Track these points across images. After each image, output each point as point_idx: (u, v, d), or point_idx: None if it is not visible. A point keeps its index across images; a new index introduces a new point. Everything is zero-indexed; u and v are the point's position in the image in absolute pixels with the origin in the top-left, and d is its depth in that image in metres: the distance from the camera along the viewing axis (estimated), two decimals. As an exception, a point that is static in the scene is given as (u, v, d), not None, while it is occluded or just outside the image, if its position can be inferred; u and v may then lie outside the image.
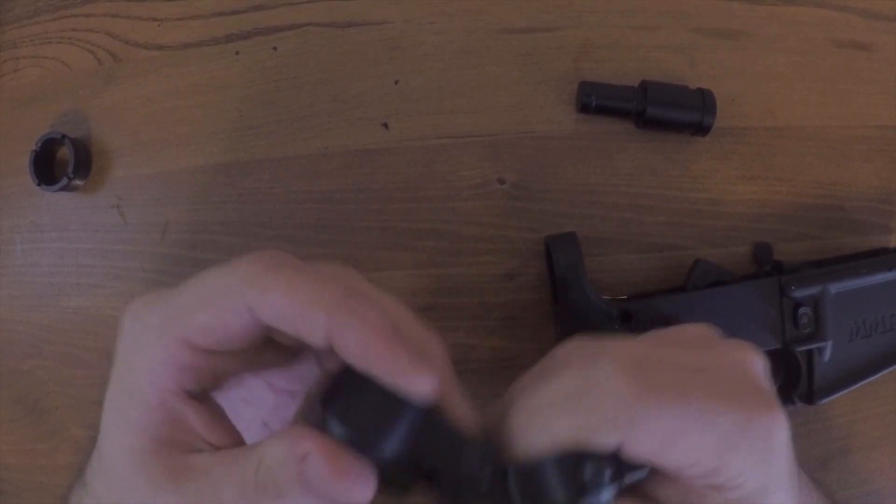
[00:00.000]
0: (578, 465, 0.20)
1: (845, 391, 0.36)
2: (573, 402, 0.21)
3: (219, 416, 0.23)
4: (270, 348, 0.24)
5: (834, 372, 0.36)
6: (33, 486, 0.41)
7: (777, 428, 0.22)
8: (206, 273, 0.22)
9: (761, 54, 0.41)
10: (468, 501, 0.21)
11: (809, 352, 0.36)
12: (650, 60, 0.40)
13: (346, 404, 0.20)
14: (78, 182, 0.41)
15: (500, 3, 0.40)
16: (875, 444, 0.40)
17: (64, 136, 0.40)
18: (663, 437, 0.21)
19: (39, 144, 0.40)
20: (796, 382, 0.36)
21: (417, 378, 0.20)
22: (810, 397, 0.36)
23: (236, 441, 0.23)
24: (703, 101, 0.37)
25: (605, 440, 0.20)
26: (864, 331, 0.36)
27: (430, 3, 0.40)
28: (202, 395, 0.23)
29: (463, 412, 0.22)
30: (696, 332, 0.25)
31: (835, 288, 0.35)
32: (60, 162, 0.42)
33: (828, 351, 0.35)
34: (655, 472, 0.23)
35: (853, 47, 0.42)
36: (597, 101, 0.38)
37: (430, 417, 0.21)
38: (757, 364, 0.24)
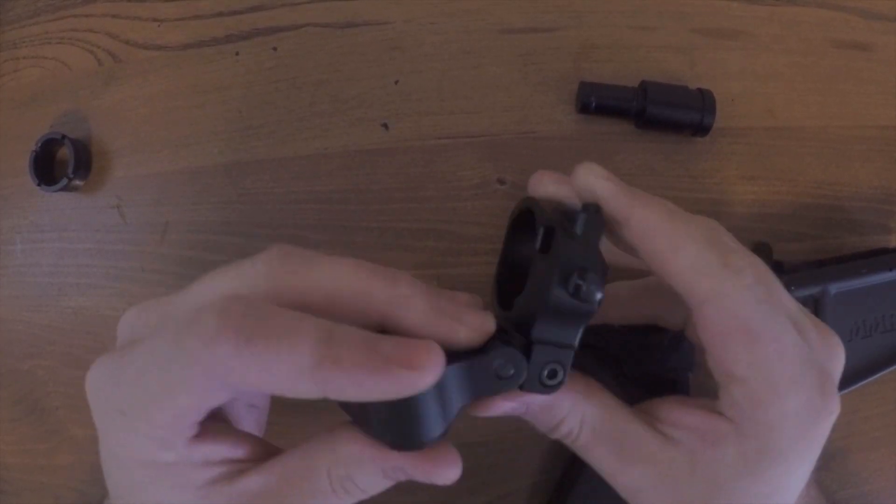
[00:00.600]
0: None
1: (845, 391, 0.36)
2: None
3: (233, 429, 0.23)
4: None
5: (834, 372, 0.36)
6: (33, 486, 0.41)
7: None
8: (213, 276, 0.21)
9: (761, 54, 0.41)
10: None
11: (809, 352, 0.36)
12: (650, 60, 0.40)
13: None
14: (78, 182, 0.41)
15: (500, 3, 0.40)
16: (875, 444, 0.40)
17: (64, 137, 0.40)
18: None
19: (39, 145, 0.40)
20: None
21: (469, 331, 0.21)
22: (810, 397, 0.36)
23: (264, 447, 0.23)
24: (703, 101, 0.37)
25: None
26: (864, 331, 0.36)
27: (430, 3, 0.40)
28: (211, 417, 0.22)
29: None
30: None
31: (835, 288, 0.35)
32: (60, 162, 0.42)
33: (828, 351, 0.35)
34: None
35: (853, 47, 0.42)
36: (597, 101, 0.38)
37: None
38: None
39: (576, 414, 0.24)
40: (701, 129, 0.38)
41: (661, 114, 0.37)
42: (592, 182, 0.24)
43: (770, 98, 0.40)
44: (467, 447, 0.38)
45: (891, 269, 0.36)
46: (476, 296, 0.24)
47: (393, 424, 0.20)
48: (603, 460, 0.24)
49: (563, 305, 0.21)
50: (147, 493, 0.21)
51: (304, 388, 0.18)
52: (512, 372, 0.22)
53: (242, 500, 0.21)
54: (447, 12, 0.40)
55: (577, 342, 0.22)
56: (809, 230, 0.40)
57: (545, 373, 0.22)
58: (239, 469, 0.22)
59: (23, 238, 0.42)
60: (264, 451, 0.23)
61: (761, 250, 0.38)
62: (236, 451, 0.22)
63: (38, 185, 0.40)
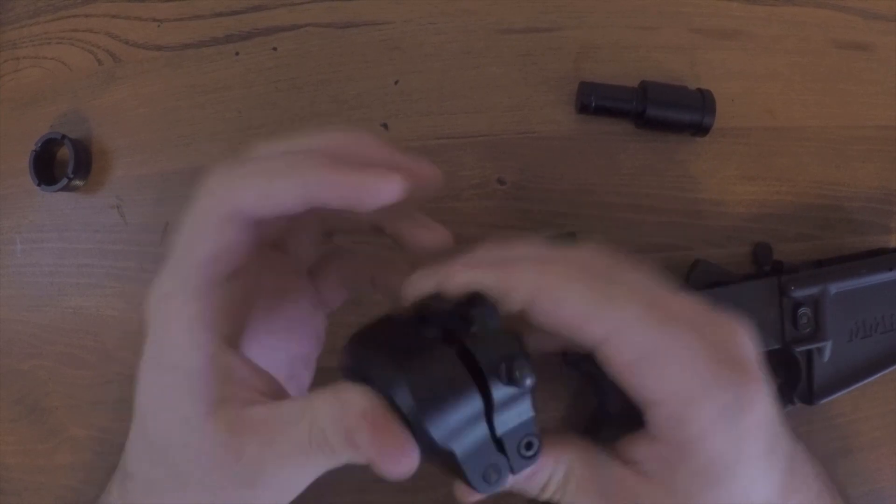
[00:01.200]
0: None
1: (845, 391, 0.36)
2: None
3: (254, 364, 0.24)
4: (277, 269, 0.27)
5: (834, 372, 0.36)
6: (33, 486, 0.41)
7: (754, 394, 0.22)
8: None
9: (761, 54, 0.41)
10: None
11: (809, 352, 0.36)
12: (650, 60, 0.40)
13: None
14: (78, 182, 0.41)
15: (500, 3, 0.40)
16: (875, 444, 0.40)
17: (64, 137, 0.40)
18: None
19: (39, 145, 0.40)
20: (796, 383, 0.36)
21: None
22: (810, 397, 0.36)
23: (279, 389, 0.24)
24: (703, 101, 0.37)
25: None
26: (864, 331, 0.36)
27: (430, 3, 0.40)
28: (236, 343, 0.23)
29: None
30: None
31: (835, 288, 0.35)
32: (60, 162, 0.42)
33: (827, 351, 0.35)
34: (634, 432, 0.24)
35: (853, 47, 0.42)
36: (597, 101, 0.38)
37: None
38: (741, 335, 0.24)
39: (560, 469, 0.25)
40: (701, 130, 0.38)
41: (661, 114, 0.37)
42: (460, 279, 0.23)
43: (770, 98, 0.40)
44: (467, 447, 0.38)
45: (891, 269, 0.36)
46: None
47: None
48: None
49: (506, 396, 0.22)
50: (161, 404, 0.22)
51: (288, 192, 0.21)
52: (497, 477, 0.22)
53: (239, 426, 0.21)
54: (447, 12, 0.40)
55: (533, 411, 0.23)
56: (809, 230, 0.40)
57: (521, 448, 0.23)
58: (251, 400, 0.22)
59: (23, 238, 0.42)
60: (280, 393, 0.24)
61: (761, 250, 0.38)
62: (258, 382, 0.23)
63: (38, 185, 0.40)
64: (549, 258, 0.23)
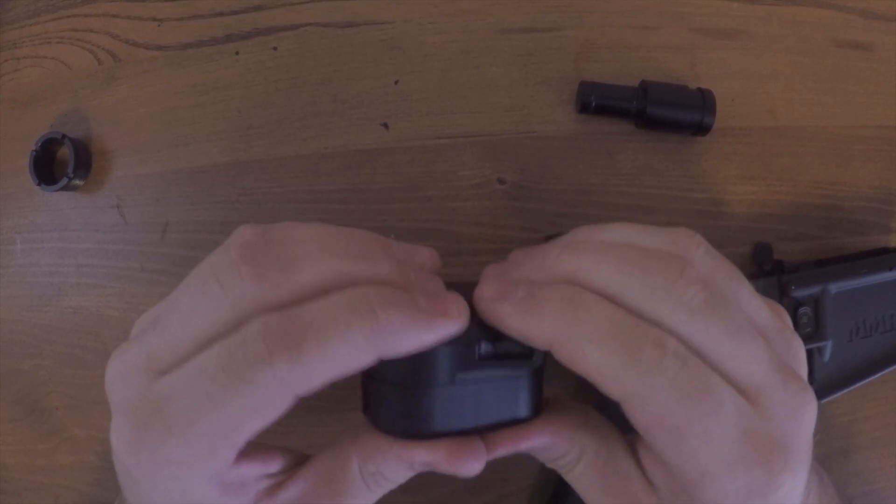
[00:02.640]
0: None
1: (845, 391, 0.36)
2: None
3: (260, 445, 0.23)
4: None
5: (834, 372, 0.36)
6: (33, 486, 0.41)
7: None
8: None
9: (761, 54, 0.41)
10: None
11: (809, 352, 0.36)
12: (650, 60, 0.40)
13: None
14: (78, 182, 0.41)
15: (500, 3, 0.40)
16: (875, 444, 0.40)
17: (64, 136, 0.40)
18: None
19: (39, 144, 0.40)
20: (796, 382, 0.36)
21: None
22: (810, 397, 0.36)
23: (292, 456, 0.24)
24: (703, 101, 0.37)
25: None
26: (864, 331, 0.36)
27: (430, 3, 0.40)
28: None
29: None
30: None
31: (835, 288, 0.35)
32: (60, 162, 0.42)
33: (828, 351, 0.35)
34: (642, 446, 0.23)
35: (853, 47, 0.42)
36: (597, 101, 0.38)
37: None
38: None
39: (575, 446, 0.24)
40: (701, 129, 0.38)
41: (661, 114, 0.37)
42: (491, 312, 0.23)
43: (770, 98, 0.40)
44: (467, 447, 0.38)
45: (891, 269, 0.36)
46: (433, 252, 0.26)
47: (408, 412, 0.22)
48: (589, 493, 0.25)
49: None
50: None
51: (365, 357, 0.19)
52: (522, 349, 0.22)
53: None
54: (447, 12, 0.40)
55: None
56: (809, 230, 0.40)
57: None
58: (275, 483, 0.23)
59: (23, 238, 0.42)
60: (293, 460, 0.24)
61: (761, 250, 0.38)
62: (270, 466, 0.23)
63: (38, 184, 0.40)
64: (580, 301, 0.21)
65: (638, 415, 0.21)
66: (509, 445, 0.23)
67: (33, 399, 0.41)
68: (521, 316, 0.21)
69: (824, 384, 0.36)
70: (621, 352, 0.20)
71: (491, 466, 0.38)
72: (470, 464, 0.22)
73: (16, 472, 0.41)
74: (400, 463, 0.22)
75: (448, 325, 0.20)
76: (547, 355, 0.22)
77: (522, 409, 0.23)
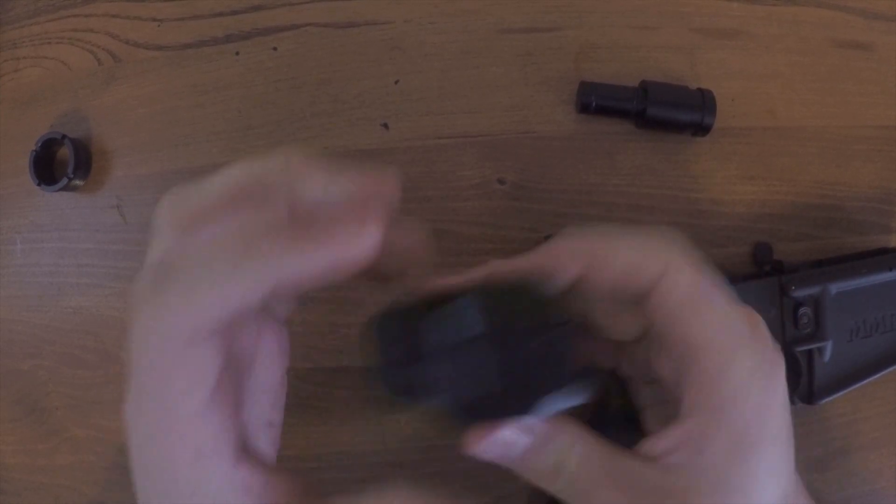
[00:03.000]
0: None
1: (845, 391, 0.36)
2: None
3: (268, 465, 0.22)
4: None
5: (834, 372, 0.36)
6: (33, 486, 0.41)
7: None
8: None
9: (761, 54, 0.41)
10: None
11: (809, 352, 0.36)
12: (650, 60, 0.40)
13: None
14: (78, 182, 0.41)
15: (500, 3, 0.40)
16: (875, 445, 0.40)
17: (64, 136, 0.40)
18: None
19: (39, 144, 0.40)
20: (796, 382, 0.36)
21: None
22: (810, 397, 0.36)
23: (302, 485, 0.22)
24: (703, 101, 0.37)
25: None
26: (864, 331, 0.36)
27: (430, 3, 0.40)
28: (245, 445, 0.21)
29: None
30: None
31: (835, 288, 0.35)
32: (60, 162, 0.42)
33: (828, 351, 0.35)
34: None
35: (853, 47, 0.42)
36: (597, 101, 0.38)
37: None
38: None
39: (575, 452, 0.24)
40: (701, 129, 0.38)
41: (661, 114, 0.37)
42: (507, 267, 0.24)
43: (770, 98, 0.40)
44: (467, 447, 0.38)
45: (891, 269, 0.36)
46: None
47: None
48: (609, 501, 0.23)
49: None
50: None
51: (245, 289, 0.18)
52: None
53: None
54: (447, 12, 0.40)
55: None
56: (809, 230, 0.40)
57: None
58: None
59: (23, 238, 0.42)
60: (302, 490, 0.22)
61: (761, 250, 0.38)
62: (276, 489, 0.21)
63: (38, 185, 0.40)
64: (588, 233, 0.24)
65: (673, 291, 0.23)
66: (500, 435, 0.23)
67: (33, 399, 0.41)
68: (546, 252, 0.24)
69: (824, 384, 0.36)
70: (644, 237, 0.23)
71: (491, 466, 0.38)
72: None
73: (16, 472, 0.41)
74: None
75: (340, 251, 0.19)
76: None
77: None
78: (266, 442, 0.25)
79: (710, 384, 0.22)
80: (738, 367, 0.22)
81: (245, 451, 0.21)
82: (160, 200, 0.22)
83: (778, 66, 0.41)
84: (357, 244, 0.19)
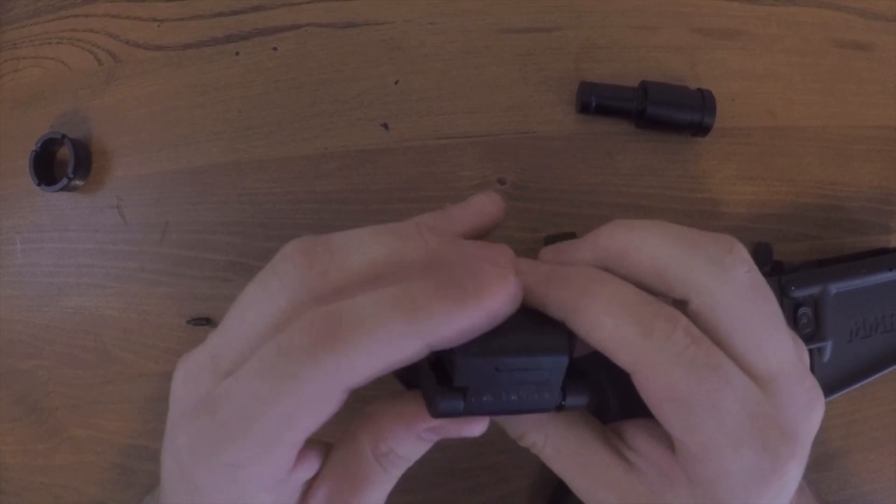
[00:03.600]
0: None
1: (845, 391, 0.36)
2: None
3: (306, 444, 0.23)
4: None
5: (834, 372, 0.36)
6: (33, 486, 0.41)
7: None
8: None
9: (761, 54, 0.41)
10: None
11: (809, 352, 0.36)
12: (650, 60, 0.40)
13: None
14: (78, 182, 0.41)
15: (500, 3, 0.40)
16: (875, 444, 0.40)
17: (64, 136, 0.40)
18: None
19: (39, 144, 0.40)
20: (796, 382, 0.36)
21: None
22: (810, 397, 0.36)
23: (321, 452, 0.23)
24: (703, 101, 0.37)
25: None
26: (864, 331, 0.36)
27: (430, 3, 0.40)
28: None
29: None
30: None
31: (835, 288, 0.35)
32: (60, 162, 0.42)
33: (828, 351, 0.35)
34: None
35: (853, 47, 0.42)
36: (597, 101, 0.38)
37: None
38: None
39: (539, 431, 0.24)
40: (701, 129, 0.38)
41: (661, 114, 0.37)
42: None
43: (770, 98, 0.40)
44: (467, 447, 0.38)
45: (891, 269, 0.36)
46: (492, 195, 0.26)
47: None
48: (569, 478, 0.25)
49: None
50: None
51: (410, 348, 0.19)
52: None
53: None
54: (447, 12, 0.40)
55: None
56: (809, 230, 0.40)
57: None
58: (305, 488, 0.23)
59: (23, 238, 0.42)
60: (319, 458, 0.23)
61: (761, 250, 0.38)
62: (312, 470, 0.22)
63: (38, 185, 0.40)
64: (599, 277, 0.22)
65: (648, 385, 0.21)
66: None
67: (33, 399, 0.41)
68: (544, 285, 0.22)
69: (824, 384, 0.35)
70: (634, 323, 0.21)
71: (491, 466, 0.38)
72: (476, 423, 0.23)
73: (16, 472, 0.41)
74: (409, 435, 0.22)
75: (495, 301, 0.19)
76: None
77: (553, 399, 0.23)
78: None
79: (688, 465, 0.22)
80: (716, 466, 0.21)
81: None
82: (285, 251, 0.21)
83: (778, 67, 0.41)
84: (504, 294, 0.19)
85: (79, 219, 0.41)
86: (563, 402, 0.22)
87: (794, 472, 0.21)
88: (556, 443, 0.24)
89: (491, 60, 0.39)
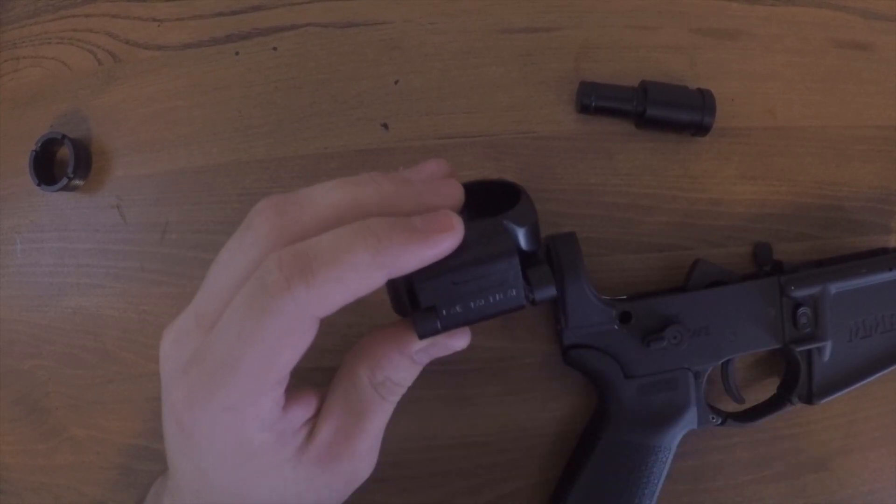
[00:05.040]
0: None
1: (845, 391, 0.36)
2: None
3: (297, 387, 0.25)
4: None
5: (834, 372, 0.36)
6: (33, 486, 0.41)
7: None
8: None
9: (761, 54, 0.41)
10: None
11: (809, 352, 0.36)
12: (650, 60, 0.40)
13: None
14: (78, 182, 0.41)
15: (500, 3, 0.40)
16: (875, 444, 0.40)
17: (64, 136, 0.40)
18: None
19: (39, 144, 0.40)
20: (796, 382, 0.36)
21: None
22: (810, 397, 0.36)
23: (319, 394, 0.26)
24: (703, 101, 0.37)
25: None
26: (864, 331, 0.36)
27: (430, 3, 0.40)
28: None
29: None
30: None
31: (835, 288, 0.35)
32: (60, 162, 0.42)
33: (827, 351, 0.35)
34: None
35: (853, 47, 0.42)
36: (597, 101, 0.38)
37: None
38: None
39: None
40: (701, 129, 0.38)
41: (661, 114, 0.37)
42: None
43: (770, 98, 0.40)
44: (467, 447, 0.38)
45: (891, 269, 0.36)
46: (440, 160, 0.27)
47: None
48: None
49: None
50: (237, 476, 0.23)
51: (374, 277, 0.21)
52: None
53: (327, 456, 0.24)
54: (447, 12, 0.40)
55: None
56: (809, 230, 0.40)
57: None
58: (309, 427, 0.25)
59: (23, 238, 0.42)
60: (322, 396, 0.25)
61: (761, 250, 0.38)
62: (311, 408, 0.25)
63: (38, 185, 0.40)
64: None
65: None
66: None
67: (33, 399, 0.41)
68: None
69: (824, 384, 0.36)
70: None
71: (491, 466, 0.38)
72: (460, 339, 0.26)
73: (16, 472, 0.41)
74: (402, 358, 0.25)
75: (442, 241, 0.22)
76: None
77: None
78: None
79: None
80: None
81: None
82: (257, 208, 0.24)
83: (778, 67, 0.41)
84: (451, 235, 0.23)
85: (79, 219, 0.41)
86: (532, 297, 0.25)
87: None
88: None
89: (491, 60, 0.39)
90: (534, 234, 0.26)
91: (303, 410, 0.24)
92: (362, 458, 0.25)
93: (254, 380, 0.21)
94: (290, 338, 0.21)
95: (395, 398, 0.26)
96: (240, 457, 0.23)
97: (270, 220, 0.22)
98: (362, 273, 0.21)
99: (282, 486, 0.24)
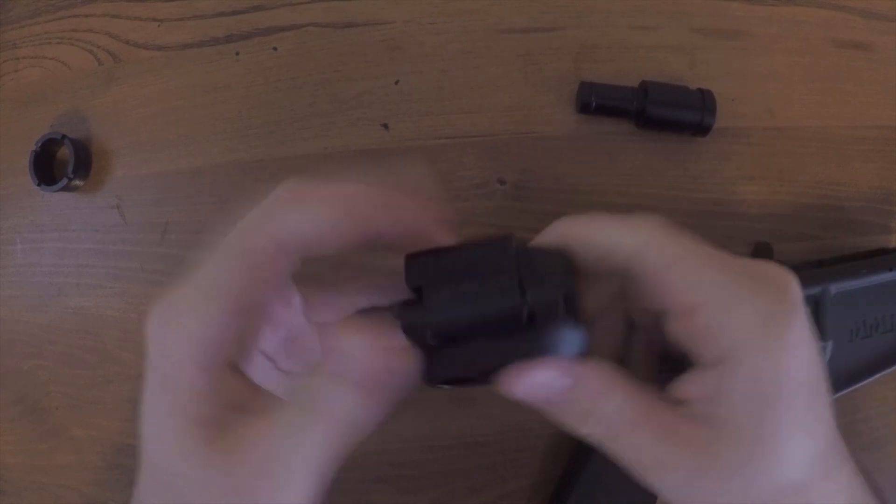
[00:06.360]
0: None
1: (845, 391, 0.36)
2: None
3: (257, 386, 0.23)
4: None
5: (834, 372, 0.36)
6: (33, 486, 0.41)
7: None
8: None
9: (761, 54, 0.41)
10: None
11: (809, 352, 0.36)
12: (650, 60, 0.40)
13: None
14: (78, 182, 0.41)
15: (500, 3, 0.40)
16: (875, 445, 0.40)
17: (64, 136, 0.40)
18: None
19: (39, 144, 0.40)
20: (796, 382, 0.36)
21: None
22: (810, 397, 0.36)
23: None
24: (703, 101, 0.37)
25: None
26: (864, 331, 0.36)
27: (430, 3, 0.40)
28: (238, 365, 0.23)
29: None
30: None
31: (835, 288, 0.35)
32: (60, 162, 0.42)
33: (828, 351, 0.35)
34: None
35: (853, 47, 0.42)
36: (597, 101, 0.38)
37: None
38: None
39: (613, 395, 0.22)
40: (701, 129, 0.38)
41: (661, 114, 0.37)
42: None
43: (770, 98, 0.40)
44: (467, 447, 0.38)
45: (891, 269, 0.36)
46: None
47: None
48: (641, 449, 0.22)
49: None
50: (166, 430, 0.21)
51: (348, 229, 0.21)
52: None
53: (240, 449, 0.21)
54: (447, 12, 0.40)
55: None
56: (809, 230, 0.40)
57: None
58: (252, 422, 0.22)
59: (23, 238, 0.42)
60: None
61: (761, 250, 0.38)
62: (260, 403, 0.22)
63: (38, 185, 0.40)
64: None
65: (650, 260, 0.22)
66: (535, 374, 0.22)
67: (33, 399, 0.41)
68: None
69: (824, 384, 0.36)
70: (617, 218, 0.24)
71: (491, 466, 0.38)
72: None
73: (16, 472, 0.41)
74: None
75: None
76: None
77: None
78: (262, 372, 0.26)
79: (709, 341, 0.21)
80: (731, 324, 0.20)
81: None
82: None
83: (778, 67, 0.41)
84: (436, 234, 0.23)
85: (79, 219, 0.41)
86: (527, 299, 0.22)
87: (801, 312, 0.21)
88: (625, 411, 0.22)
89: (491, 60, 0.39)
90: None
91: (247, 390, 0.23)
92: None
93: (204, 292, 0.22)
94: (243, 263, 0.21)
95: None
96: (166, 385, 0.21)
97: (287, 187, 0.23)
98: (342, 216, 0.21)
99: (185, 457, 0.22)
